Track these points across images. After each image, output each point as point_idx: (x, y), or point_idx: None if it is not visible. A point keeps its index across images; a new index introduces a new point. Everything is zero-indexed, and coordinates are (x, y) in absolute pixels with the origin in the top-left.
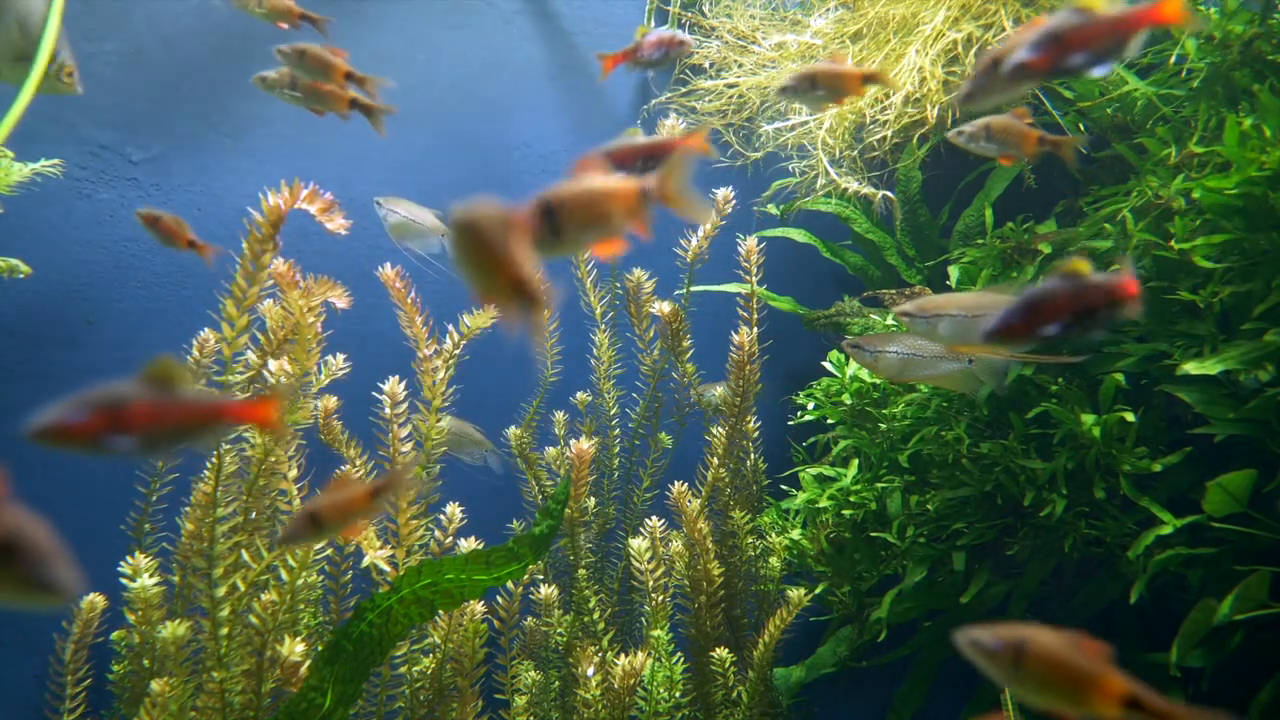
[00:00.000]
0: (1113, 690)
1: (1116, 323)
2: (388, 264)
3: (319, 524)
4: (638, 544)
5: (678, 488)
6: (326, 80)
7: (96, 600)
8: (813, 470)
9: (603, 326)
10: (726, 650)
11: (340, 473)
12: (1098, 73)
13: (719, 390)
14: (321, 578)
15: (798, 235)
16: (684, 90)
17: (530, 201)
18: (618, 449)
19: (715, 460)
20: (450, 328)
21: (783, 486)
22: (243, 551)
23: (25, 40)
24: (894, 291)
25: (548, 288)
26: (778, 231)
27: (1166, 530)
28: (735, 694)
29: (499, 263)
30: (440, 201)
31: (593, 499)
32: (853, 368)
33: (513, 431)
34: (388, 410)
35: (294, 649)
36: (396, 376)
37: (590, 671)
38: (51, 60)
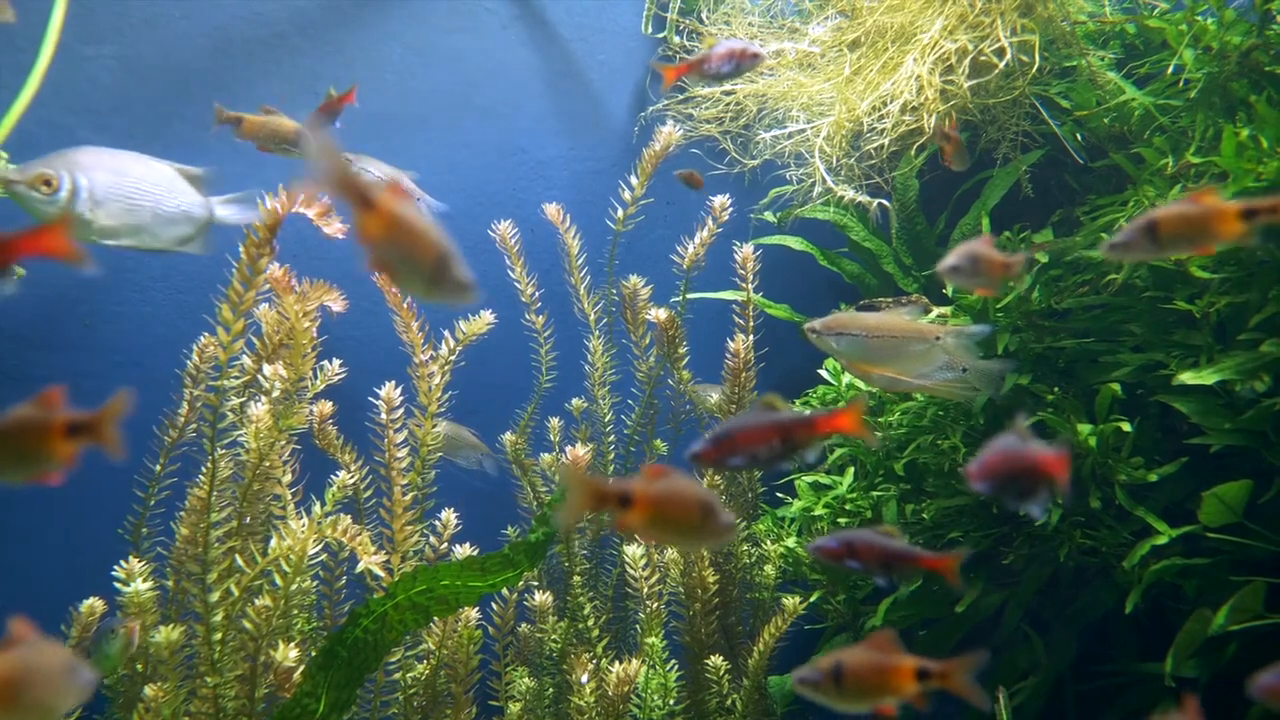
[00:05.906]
0: None
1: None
2: None
3: None
4: (632, 551)
5: None
6: None
7: (95, 604)
8: (808, 478)
9: (597, 333)
10: (721, 658)
11: None
12: None
13: (715, 396)
14: (316, 583)
15: (794, 243)
16: (681, 97)
17: None
18: (613, 455)
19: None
20: (446, 333)
21: (778, 494)
22: (237, 556)
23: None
24: (890, 300)
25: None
26: (774, 239)
27: (1162, 540)
28: (730, 702)
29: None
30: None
31: None
32: (849, 376)
33: (508, 438)
34: (383, 415)
35: (288, 654)
36: (393, 382)
37: (585, 678)
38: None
